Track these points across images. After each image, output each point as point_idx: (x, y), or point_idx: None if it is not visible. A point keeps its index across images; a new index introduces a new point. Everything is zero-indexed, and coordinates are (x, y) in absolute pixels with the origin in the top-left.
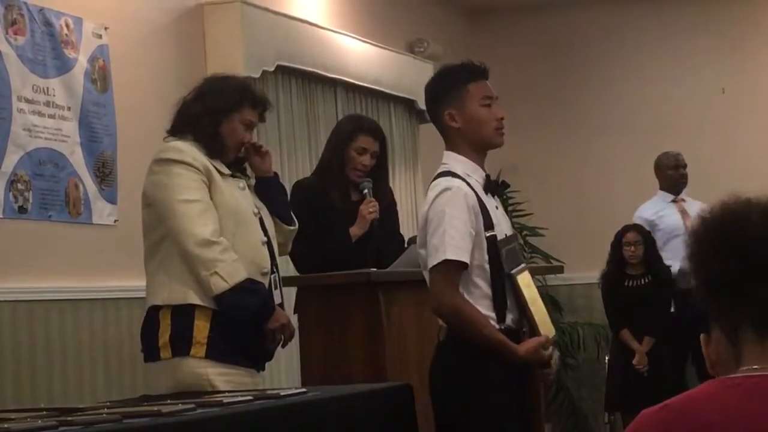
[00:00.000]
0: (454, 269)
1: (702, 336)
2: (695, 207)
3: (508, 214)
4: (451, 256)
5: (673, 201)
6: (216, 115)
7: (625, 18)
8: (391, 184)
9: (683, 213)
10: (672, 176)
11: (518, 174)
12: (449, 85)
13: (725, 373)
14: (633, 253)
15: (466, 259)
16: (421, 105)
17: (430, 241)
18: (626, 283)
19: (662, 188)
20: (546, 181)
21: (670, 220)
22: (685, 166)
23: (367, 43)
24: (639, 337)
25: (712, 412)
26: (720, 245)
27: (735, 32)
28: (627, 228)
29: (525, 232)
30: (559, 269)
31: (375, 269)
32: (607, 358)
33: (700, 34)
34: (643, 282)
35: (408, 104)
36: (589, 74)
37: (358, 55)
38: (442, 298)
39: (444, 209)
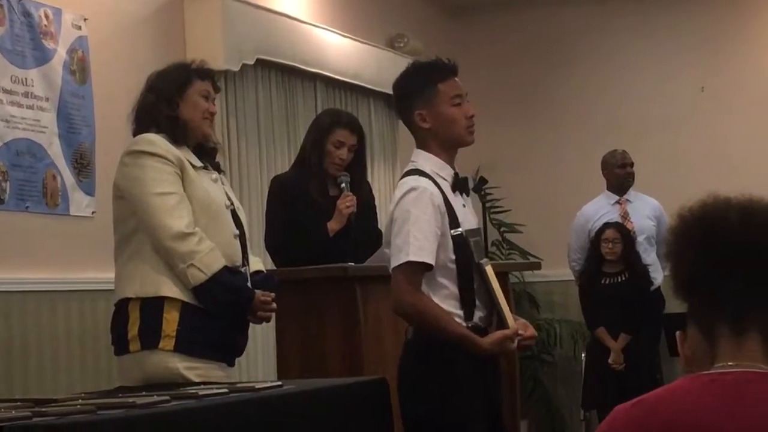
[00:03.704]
0: (417, 270)
1: (678, 333)
2: (642, 202)
3: (486, 211)
4: (414, 257)
5: (617, 203)
6: (171, 98)
7: (605, 16)
8: (369, 179)
9: (624, 217)
10: (618, 174)
11: (497, 170)
12: (418, 85)
13: (700, 370)
14: (611, 250)
15: (429, 260)
16: None
17: (394, 242)
18: (603, 281)
19: (608, 188)
20: (525, 177)
21: None
22: (631, 164)
23: (347, 37)
24: (615, 335)
25: (685, 408)
26: (698, 243)
27: (715, 31)
28: (606, 225)
29: (503, 229)
30: (537, 265)
31: (352, 263)
32: (583, 355)
33: (680, 33)
34: (619, 280)
35: (387, 99)
36: (569, 71)
37: (338, 49)
38: (402, 298)
39: (409, 209)
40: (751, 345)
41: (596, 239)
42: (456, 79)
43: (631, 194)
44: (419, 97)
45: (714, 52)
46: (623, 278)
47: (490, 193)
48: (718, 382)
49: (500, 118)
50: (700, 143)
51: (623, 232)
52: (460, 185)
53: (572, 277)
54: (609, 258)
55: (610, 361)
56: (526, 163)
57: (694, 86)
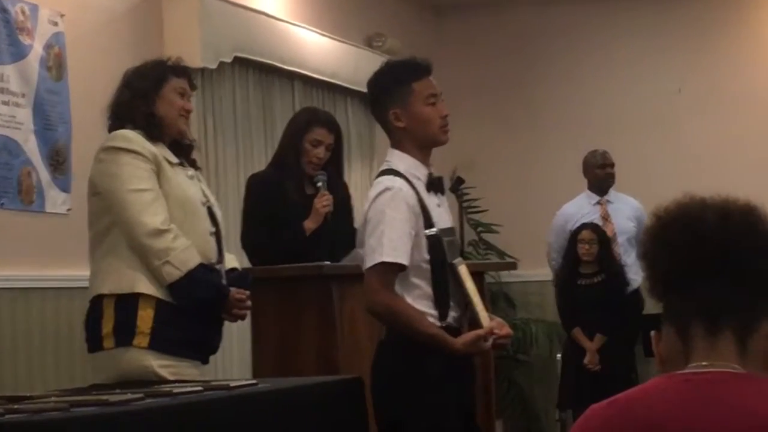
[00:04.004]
0: (390, 270)
1: (653, 333)
2: (623, 203)
3: (462, 211)
4: (388, 258)
5: (598, 203)
6: (147, 94)
7: (584, 17)
8: (346, 178)
9: (605, 218)
10: (599, 175)
11: (474, 170)
12: (393, 84)
13: (674, 370)
14: (587, 251)
15: (403, 260)
16: None
17: (368, 242)
18: (579, 282)
19: (589, 187)
20: (502, 177)
21: None
22: (612, 164)
23: (326, 36)
24: (591, 336)
25: (659, 407)
26: (674, 243)
27: (692, 33)
28: (583, 226)
29: (480, 229)
30: (513, 265)
31: (328, 262)
32: (559, 355)
33: (657, 34)
34: (596, 281)
35: (365, 98)
36: (547, 72)
37: (315, 48)
38: (375, 297)
39: (383, 210)
40: (726, 345)
41: (572, 240)
42: (431, 78)
43: (612, 195)
44: (393, 96)
45: (692, 54)
46: (599, 279)
47: (467, 193)
48: (692, 382)
49: (477, 117)
50: (676, 144)
51: (599, 233)
52: (434, 185)
53: (549, 278)
54: (585, 259)
55: (585, 361)
56: (504, 163)
57: (671, 87)
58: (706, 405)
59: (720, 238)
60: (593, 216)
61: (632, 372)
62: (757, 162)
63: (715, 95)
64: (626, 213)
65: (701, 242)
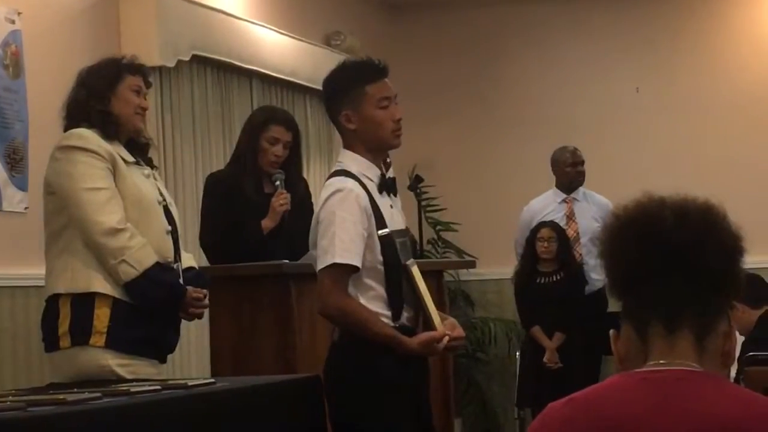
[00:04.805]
0: (343, 272)
1: (611, 332)
2: (591, 202)
3: (421, 209)
4: (340, 259)
5: (564, 201)
6: (102, 93)
7: (541, 15)
8: (305, 177)
9: (569, 217)
10: (569, 173)
11: (433, 168)
12: (346, 86)
13: (633, 368)
14: (546, 248)
15: (355, 262)
16: None
17: (320, 243)
18: (538, 280)
19: (557, 185)
20: (460, 176)
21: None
22: (582, 162)
23: (284, 34)
24: (550, 334)
25: (617, 405)
26: (633, 242)
27: (649, 33)
28: (542, 224)
29: (438, 227)
30: (472, 264)
31: (287, 261)
32: (518, 353)
33: (615, 34)
34: (555, 278)
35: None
36: (505, 70)
37: (274, 46)
38: (327, 299)
39: (335, 211)
40: (684, 344)
41: (531, 238)
42: (386, 80)
43: (580, 193)
44: (346, 98)
45: (649, 53)
46: (558, 277)
47: (426, 192)
48: (649, 380)
49: (437, 116)
50: (634, 143)
51: (558, 231)
52: (386, 186)
53: (507, 276)
54: (544, 257)
55: (545, 359)
56: (462, 162)
57: (629, 87)
58: (664, 403)
59: (678, 236)
60: (558, 214)
61: (596, 371)
62: (715, 160)
63: (672, 94)
64: (592, 212)
65: (660, 241)
